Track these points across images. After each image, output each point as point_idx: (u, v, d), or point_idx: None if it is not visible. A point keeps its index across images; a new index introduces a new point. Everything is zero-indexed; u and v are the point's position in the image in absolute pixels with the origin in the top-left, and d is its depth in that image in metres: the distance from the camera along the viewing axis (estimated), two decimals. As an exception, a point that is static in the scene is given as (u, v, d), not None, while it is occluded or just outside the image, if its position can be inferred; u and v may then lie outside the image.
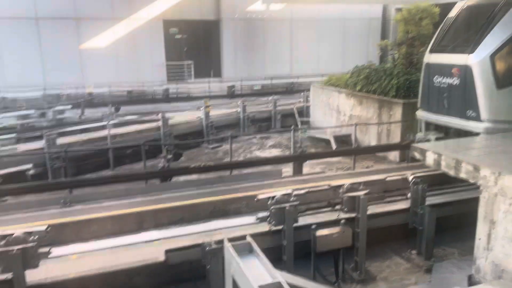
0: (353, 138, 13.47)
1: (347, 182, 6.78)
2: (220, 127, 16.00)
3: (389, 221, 7.33)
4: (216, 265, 5.35)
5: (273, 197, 6.22)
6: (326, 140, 14.63)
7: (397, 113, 12.45)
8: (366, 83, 13.89)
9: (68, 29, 22.42)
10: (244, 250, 3.78)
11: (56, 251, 5.77)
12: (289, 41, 27.57)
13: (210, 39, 26.57)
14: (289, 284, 3.20)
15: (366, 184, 6.86)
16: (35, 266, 5.07)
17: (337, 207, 7.11)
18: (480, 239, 5.45)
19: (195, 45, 26.33)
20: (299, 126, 14.88)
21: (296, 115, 16.18)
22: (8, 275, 5.01)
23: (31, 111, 16.17)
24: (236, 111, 17.02)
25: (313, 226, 6.30)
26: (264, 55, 27.09)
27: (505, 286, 4.95)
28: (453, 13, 10.09)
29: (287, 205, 6.16)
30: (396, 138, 12.38)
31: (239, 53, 26.46)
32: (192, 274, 5.85)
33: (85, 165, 11.92)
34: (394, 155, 12.62)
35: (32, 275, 5.26)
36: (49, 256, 5.32)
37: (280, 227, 6.23)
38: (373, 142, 13.41)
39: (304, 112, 17.80)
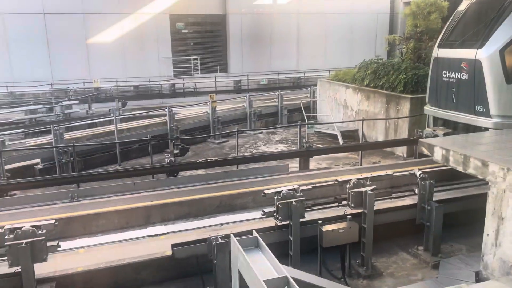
0: (360, 133, 13.42)
1: (354, 177, 6.75)
2: (227, 122, 16.01)
3: (396, 217, 7.31)
4: (223, 260, 5.36)
5: (280, 192, 6.22)
6: (333, 135, 14.59)
7: (405, 108, 12.37)
8: (374, 78, 13.81)
9: (75, 24, 22.48)
10: (250, 245, 3.77)
11: (64, 244, 5.82)
12: (296, 35, 27.43)
13: (216, 33, 26.50)
14: (295, 279, 3.19)
15: (373, 179, 6.82)
16: (44, 259, 5.12)
17: (344, 202, 7.08)
18: (488, 235, 5.41)
19: (201, 40, 26.29)
20: (306, 121, 14.83)
21: (303, 110, 16.13)
22: (17, 268, 5.06)
23: (39, 106, 16.27)
24: (243, 106, 17.00)
25: (320, 222, 6.29)
26: (270, 49, 26.99)
27: (513, 282, 4.91)
28: (462, 7, 9.98)
29: (293, 200, 6.15)
30: (403, 133, 12.31)
31: (246, 47, 26.39)
32: (198, 269, 5.87)
33: (92, 159, 12.00)
34: (401, 150, 12.56)
35: (40, 269, 5.31)
36: (57, 249, 5.35)
37: (286, 222, 6.23)
38: (380, 137, 13.35)
39: (311, 107, 17.75)
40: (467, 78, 9.18)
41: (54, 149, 10.79)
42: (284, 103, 17.55)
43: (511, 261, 5.12)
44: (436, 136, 9.33)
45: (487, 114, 8.82)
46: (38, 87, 20.49)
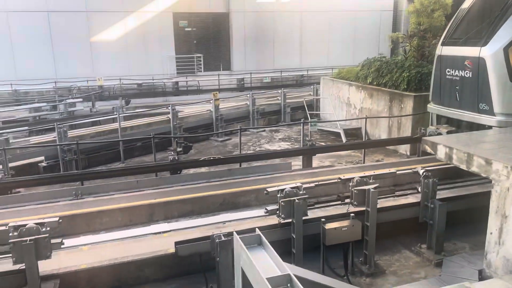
0: (363, 131, 13.39)
1: (357, 175, 6.75)
2: (230, 120, 16.02)
3: (399, 215, 7.30)
4: (226, 257, 5.38)
5: (283, 190, 6.22)
6: (336, 133, 14.57)
7: (408, 106, 12.34)
8: (377, 75, 13.78)
9: (79, 22, 22.54)
10: (253, 242, 3.78)
11: (67, 242, 5.84)
12: (299, 33, 27.40)
13: (219, 31, 26.50)
14: (297, 277, 3.20)
15: (376, 177, 6.82)
16: (48, 256, 5.14)
17: (347, 200, 7.09)
18: (491, 233, 5.41)
19: (204, 38, 26.29)
20: (309, 119, 14.82)
21: (306, 108, 16.12)
22: (21, 265, 5.09)
23: (43, 104, 16.32)
24: (246, 104, 17.01)
25: (323, 220, 6.30)
26: (273, 47, 26.97)
27: (517, 281, 4.90)
28: (466, 4, 9.93)
29: (296, 198, 6.15)
30: (407, 131, 12.29)
31: (249, 45, 26.38)
32: (201, 266, 5.89)
33: (96, 157, 12.04)
34: (404, 148, 12.54)
35: (44, 266, 5.34)
36: (61, 247, 5.38)
37: (289, 220, 6.23)
38: (384, 135, 13.33)
39: (314, 105, 17.73)
40: (470, 76, 9.14)
41: (58, 147, 10.84)
42: (287, 101, 17.55)
43: (515, 260, 5.11)
44: (440, 134, 9.31)
45: (490, 112, 8.78)
46: (42, 85, 20.57)
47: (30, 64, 21.74)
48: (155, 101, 20.92)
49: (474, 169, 5.57)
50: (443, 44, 10.08)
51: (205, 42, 26.28)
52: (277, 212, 6.30)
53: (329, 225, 6.23)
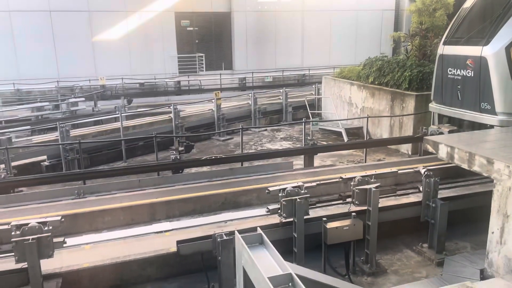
0: (364, 130, 13.39)
1: (358, 174, 6.76)
2: (231, 119, 16.03)
3: (401, 214, 7.30)
4: (227, 256, 5.39)
5: (284, 189, 6.23)
6: (337, 132, 14.57)
7: (410, 105, 12.33)
8: (379, 75, 13.77)
9: (81, 22, 22.56)
10: (255, 241, 3.79)
11: (70, 241, 5.87)
12: (300, 32, 27.36)
13: (221, 31, 26.49)
14: (299, 276, 3.21)
15: (378, 177, 6.82)
16: (50, 255, 5.16)
17: (348, 199, 7.09)
18: (493, 233, 5.40)
19: (206, 37, 26.27)
20: (311, 119, 14.82)
21: (308, 108, 16.12)
22: (24, 264, 5.11)
23: (45, 103, 16.36)
24: (247, 103, 17.01)
25: (324, 219, 6.31)
26: (275, 47, 26.94)
27: (518, 280, 4.90)
28: (467, 3, 9.92)
29: (297, 197, 6.16)
30: (408, 130, 12.28)
31: (251, 45, 26.36)
32: (203, 265, 5.90)
33: (98, 156, 12.07)
34: (406, 147, 12.53)
35: (46, 265, 5.37)
36: (63, 246, 5.40)
37: (290, 219, 6.24)
38: (385, 135, 13.32)
39: (315, 104, 17.73)
40: (472, 75, 9.13)
41: (60, 146, 10.87)
42: (289, 100, 17.55)
43: (516, 259, 5.11)
44: (441, 133, 9.31)
45: (492, 111, 8.78)
46: (45, 84, 20.58)
47: (32, 63, 21.77)
48: (157, 101, 20.92)
49: (475, 168, 5.57)
50: (445, 43, 10.07)
51: (207, 41, 26.27)
52: (279, 211, 6.31)
53: (331, 224, 6.24)
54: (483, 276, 5.65)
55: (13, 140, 10.88)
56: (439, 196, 7.02)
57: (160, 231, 6.68)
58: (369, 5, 27.83)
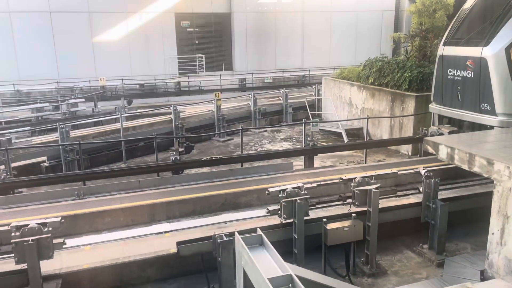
0: (365, 131, 13.39)
1: (358, 175, 6.75)
2: (231, 120, 16.03)
3: (401, 215, 7.30)
4: (227, 257, 5.39)
5: (284, 190, 6.23)
6: (337, 133, 14.57)
7: (410, 106, 12.33)
8: (379, 76, 13.78)
9: (81, 23, 22.57)
10: (255, 242, 3.79)
11: (69, 242, 5.86)
12: (300, 33, 27.38)
13: (221, 32, 26.50)
14: (299, 277, 3.21)
15: (378, 177, 6.82)
16: (50, 256, 5.16)
17: (348, 200, 7.09)
18: (493, 233, 5.40)
19: (206, 38, 26.29)
20: (311, 119, 14.82)
21: (308, 108, 16.12)
22: (23, 265, 5.11)
23: (45, 104, 16.36)
24: (248, 104, 17.02)
25: (324, 220, 6.30)
26: (275, 47, 26.96)
27: (518, 281, 4.90)
28: (467, 4, 9.92)
29: (298, 198, 6.16)
30: (408, 131, 12.28)
31: (251, 46, 26.37)
32: (203, 266, 5.90)
33: (98, 157, 12.07)
34: (406, 148, 12.53)
35: (46, 266, 5.36)
36: (63, 247, 5.40)
37: (291, 220, 6.24)
38: (385, 136, 13.32)
39: (315, 105, 17.73)
40: (472, 76, 9.13)
41: (60, 147, 10.86)
42: (289, 101, 17.55)
43: (516, 260, 5.10)
44: (441, 134, 9.30)
45: (492, 112, 8.77)
46: (45, 85, 20.60)
47: (32, 64, 21.78)
48: (157, 101, 20.93)
49: (475, 169, 5.56)
50: (445, 44, 10.07)
51: (207, 42, 26.29)
52: (279, 212, 6.31)
53: (331, 225, 6.23)
54: (484, 277, 5.64)
55: (13, 141, 10.89)
56: (439, 197, 7.02)
57: (160, 232, 6.67)
58: (369, 5, 27.85)
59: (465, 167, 5.75)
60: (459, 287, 4.63)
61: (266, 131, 15.92)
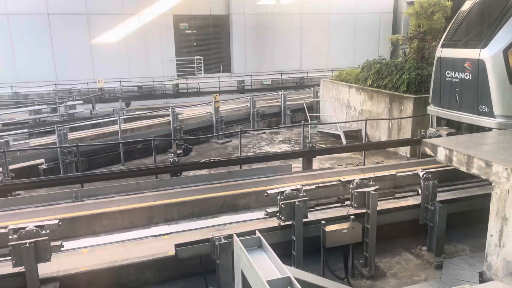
0: (363, 133, 13.40)
1: (357, 177, 6.75)
2: (230, 122, 16.02)
3: (399, 217, 7.29)
4: (226, 260, 5.37)
5: (283, 192, 6.22)
6: (336, 135, 14.58)
7: (408, 108, 12.34)
8: (377, 77, 13.80)
9: (79, 25, 22.58)
10: (253, 245, 3.78)
11: (67, 244, 5.84)
12: (299, 35, 27.43)
13: (220, 34, 26.53)
14: (298, 280, 3.20)
15: (376, 179, 6.81)
16: (47, 259, 5.14)
17: (347, 202, 7.08)
18: (492, 235, 5.40)
19: (205, 40, 26.32)
20: (309, 121, 14.82)
21: (306, 110, 16.13)
22: (21, 268, 5.08)
23: (43, 106, 16.33)
24: (246, 106, 17.02)
25: (323, 222, 6.29)
26: (273, 49, 27.00)
27: (517, 283, 4.90)
28: (465, 7, 9.95)
29: (296, 200, 6.15)
30: (407, 133, 12.29)
31: (249, 48, 26.41)
32: (201, 269, 5.88)
33: (96, 159, 12.05)
34: (404, 150, 12.53)
35: (44, 268, 5.34)
36: (61, 249, 5.38)
37: (289, 222, 6.22)
38: (384, 138, 13.33)
39: (314, 107, 17.74)
40: (470, 78, 9.15)
41: (58, 149, 10.84)
42: (287, 103, 17.56)
43: (515, 262, 5.10)
44: (440, 136, 9.31)
45: (490, 114, 8.79)
46: (42, 87, 20.59)
47: (30, 66, 21.76)
48: (156, 103, 20.93)
49: (474, 171, 5.57)
50: (443, 46, 10.10)
51: (205, 44, 26.31)
52: (277, 214, 6.29)
53: (329, 227, 6.22)
54: (482, 279, 5.64)
55: (10, 143, 10.87)
56: (437, 199, 7.01)
57: (158, 234, 6.65)
58: (367, 7, 27.93)
59: (463, 169, 5.75)
60: (458, 289, 4.63)
61: (264, 133, 15.92)
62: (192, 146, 12.64)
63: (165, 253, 6.05)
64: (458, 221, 7.49)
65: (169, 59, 24.72)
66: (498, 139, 7.00)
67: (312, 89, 18.75)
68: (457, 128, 9.79)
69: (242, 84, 23.68)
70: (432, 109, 10.57)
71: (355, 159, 12.40)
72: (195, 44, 26.01)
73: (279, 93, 17.91)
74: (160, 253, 6.08)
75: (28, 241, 4.98)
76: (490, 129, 8.64)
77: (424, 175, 7.02)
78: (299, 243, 6.20)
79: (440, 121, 10.38)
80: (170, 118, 13.89)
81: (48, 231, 5.15)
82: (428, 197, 6.92)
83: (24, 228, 5.07)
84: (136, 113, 16.91)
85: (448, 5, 13.46)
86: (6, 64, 21.55)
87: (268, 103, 18.54)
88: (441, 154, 6.12)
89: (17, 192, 9.01)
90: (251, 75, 24.28)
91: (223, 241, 5.41)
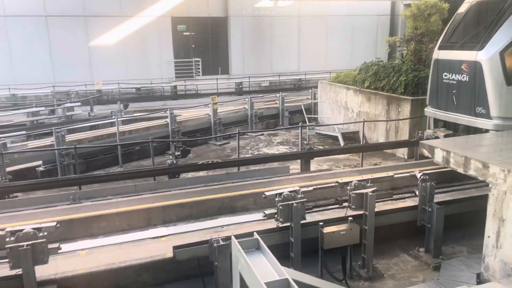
0: (361, 135, 13.43)
1: (354, 179, 6.76)
2: (228, 124, 16.03)
3: (397, 219, 7.30)
4: (224, 262, 5.37)
5: (281, 194, 6.22)
6: (334, 136, 14.60)
7: (406, 110, 12.38)
8: (375, 79, 13.83)
9: (77, 27, 22.57)
10: (252, 246, 3.79)
11: (65, 247, 5.83)
12: (297, 37, 27.48)
13: (218, 36, 26.57)
14: (295, 281, 3.20)
15: (374, 181, 6.83)
16: (45, 262, 5.13)
17: (345, 204, 7.09)
18: (489, 237, 5.41)
19: (203, 42, 26.35)
20: (307, 123, 14.84)
21: (304, 112, 16.16)
22: (18, 271, 5.07)
23: (41, 108, 16.31)
24: (244, 107, 17.03)
25: (321, 223, 6.30)
26: (271, 51, 27.04)
27: (514, 284, 4.91)
28: (462, 9, 9.99)
29: (294, 202, 6.15)
30: (404, 135, 12.32)
31: (247, 50, 26.44)
32: (199, 271, 5.88)
33: (94, 161, 12.03)
34: (402, 152, 12.56)
35: (41, 271, 5.32)
36: (58, 252, 5.36)
37: (287, 224, 6.23)
38: (381, 139, 13.35)
39: (312, 109, 17.76)
40: (467, 80, 9.18)
41: (56, 151, 10.82)
42: (285, 105, 17.57)
43: (512, 263, 5.11)
44: (437, 137, 9.34)
45: (487, 115, 8.82)
46: (40, 89, 20.56)
47: (28, 68, 21.73)
48: (154, 105, 20.91)
49: (471, 172, 5.58)
50: (440, 48, 10.13)
51: (203, 46, 26.34)
52: (275, 216, 6.30)
53: (327, 229, 6.23)
54: (480, 280, 5.65)
55: (8, 145, 10.83)
56: (435, 200, 7.03)
57: (156, 236, 6.64)
58: (364, 10, 28.01)
59: (460, 170, 5.77)
60: (455, 291, 4.64)
61: (262, 134, 15.92)
62: (190, 148, 12.64)
63: (163, 255, 6.04)
64: (456, 223, 7.51)
65: (167, 61, 24.73)
66: (495, 140, 7.02)
67: (310, 91, 18.78)
68: (454, 129, 9.82)
69: (240, 86, 23.71)
70: (429, 111, 10.60)
71: (353, 160, 12.42)
72: (193, 46, 26.03)
73: (277, 95, 17.92)
74: (158, 255, 6.07)
75: (25, 243, 4.97)
76: (487, 131, 8.66)
77: (422, 177, 7.03)
78: (297, 245, 6.21)
79: (437, 122, 10.41)
80: (168, 120, 13.89)
81: (45, 233, 5.14)
82: (425, 198, 6.93)
83: (22, 230, 5.06)
84: (134, 115, 16.90)
85: (445, 7, 13.50)
86: (4, 66, 21.53)
87: (266, 105, 18.55)
88: (439, 156, 6.14)
89: (15, 194, 8.99)
90: (249, 77, 24.31)
91: (221, 243, 5.41)
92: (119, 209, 7.29)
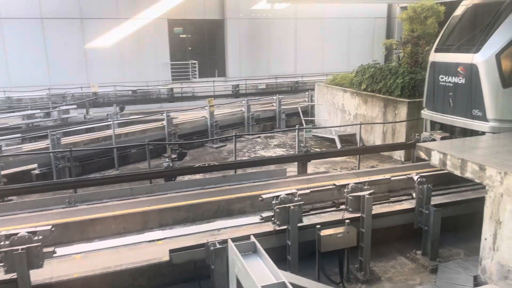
0: (358, 137, 13.43)
1: (351, 181, 6.75)
2: (225, 126, 16.01)
3: (394, 221, 7.30)
4: (220, 265, 5.34)
5: (278, 197, 6.21)
6: (331, 139, 14.60)
7: (402, 112, 12.40)
8: (371, 82, 13.85)
9: (73, 29, 22.50)
10: (248, 250, 3.77)
11: (60, 250, 5.79)
12: (293, 40, 27.51)
13: (214, 38, 26.56)
14: (292, 285, 3.19)
15: (371, 183, 6.82)
16: (40, 266, 5.09)
17: (342, 207, 7.08)
18: (486, 239, 5.41)
19: (199, 45, 26.33)
20: (304, 126, 14.84)
21: (301, 114, 16.16)
22: (13, 275, 5.02)
23: (36, 111, 16.23)
24: (241, 110, 17.02)
25: (318, 226, 6.28)
26: (268, 54, 27.05)
27: (511, 287, 4.90)
28: (458, 11, 10.03)
29: (291, 204, 6.14)
30: (401, 137, 12.33)
31: (244, 52, 26.44)
32: (196, 274, 5.84)
33: (89, 164, 11.97)
34: (399, 154, 12.57)
35: (36, 275, 5.28)
36: (54, 255, 5.32)
37: (284, 227, 6.21)
38: (378, 142, 13.37)
39: (308, 111, 17.77)
40: (464, 82, 9.21)
41: (51, 154, 10.76)
42: (282, 107, 17.58)
43: (509, 265, 5.11)
44: (434, 140, 9.35)
45: (484, 118, 8.84)
46: (36, 92, 20.47)
47: (23, 70, 21.63)
48: (150, 108, 20.87)
49: (468, 175, 5.59)
50: (436, 50, 10.16)
51: (200, 48, 26.33)
52: (272, 218, 6.28)
53: (324, 232, 6.22)
54: (477, 282, 5.66)
55: (3, 148, 10.78)
56: (432, 203, 7.03)
57: (152, 240, 6.61)
58: (361, 12, 28.06)
59: (457, 172, 5.78)
60: (453, 293, 4.63)
61: (259, 137, 15.91)
62: (186, 151, 12.61)
63: (159, 259, 6.00)
64: (453, 225, 7.51)
65: (164, 64, 24.69)
66: (491, 143, 7.04)
67: (307, 93, 18.79)
68: (450, 132, 9.84)
69: (237, 89, 23.69)
70: (426, 113, 10.62)
71: (349, 163, 12.42)
72: (189, 48, 26.01)
73: (274, 97, 17.92)
74: (154, 259, 6.04)
75: (20, 247, 4.93)
76: (483, 133, 8.69)
77: (419, 179, 7.04)
78: (294, 248, 6.19)
79: (434, 125, 10.43)
80: (164, 122, 13.86)
81: (40, 237, 5.10)
82: (422, 201, 6.94)
83: (16, 234, 5.02)
84: (130, 117, 16.84)
85: (441, 10, 13.55)
86: (-1, 69, 21.44)
87: (263, 108, 18.56)
88: (435, 158, 6.15)
89: (10, 198, 8.92)
90: (246, 80, 24.30)
91: (218, 246, 5.39)
92: (115, 213, 7.25)
